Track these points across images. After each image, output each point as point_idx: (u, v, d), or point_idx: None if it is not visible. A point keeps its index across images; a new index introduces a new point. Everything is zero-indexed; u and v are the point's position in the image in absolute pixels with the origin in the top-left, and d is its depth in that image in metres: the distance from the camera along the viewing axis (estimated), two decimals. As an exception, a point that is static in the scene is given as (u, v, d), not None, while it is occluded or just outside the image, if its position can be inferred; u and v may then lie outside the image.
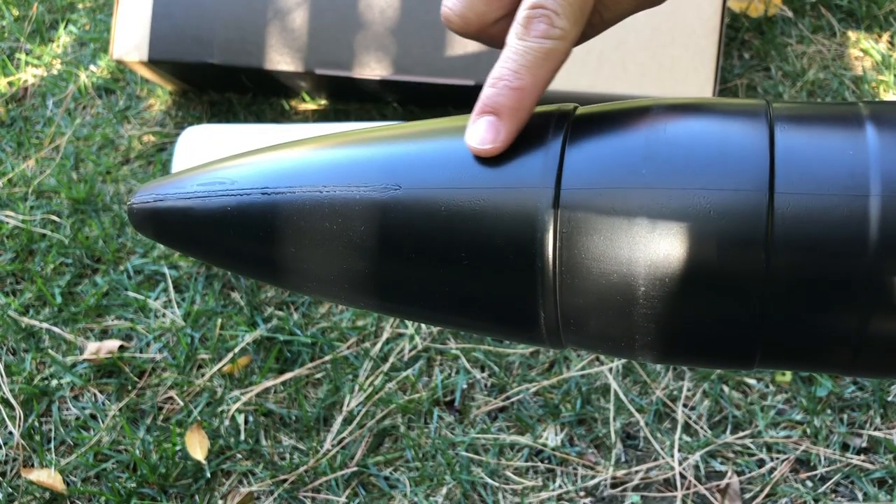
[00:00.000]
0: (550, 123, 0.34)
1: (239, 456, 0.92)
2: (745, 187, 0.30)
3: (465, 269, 0.32)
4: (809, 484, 0.85)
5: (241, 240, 0.35)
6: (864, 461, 0.85)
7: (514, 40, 0.34)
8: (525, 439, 0.89)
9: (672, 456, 0.87)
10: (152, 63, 1.15)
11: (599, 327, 0.32)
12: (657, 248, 0.30)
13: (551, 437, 0.90)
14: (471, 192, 0.32)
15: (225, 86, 1.23)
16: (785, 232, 0.29)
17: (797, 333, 0.30)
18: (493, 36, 0.37)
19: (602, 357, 0.94)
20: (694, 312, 0.31)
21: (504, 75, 0.34)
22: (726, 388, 0.91)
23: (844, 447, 0.86)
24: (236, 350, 0.99)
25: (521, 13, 0.34)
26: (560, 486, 0.87)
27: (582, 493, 0.86)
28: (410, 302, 0.35)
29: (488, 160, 0.33)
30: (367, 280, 0.34)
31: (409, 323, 0.99)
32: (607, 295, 0.31)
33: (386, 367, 0.96)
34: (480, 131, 0.33)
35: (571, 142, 0.33)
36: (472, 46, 1.07)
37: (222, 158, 0.37)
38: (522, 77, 0.34)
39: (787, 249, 0.29)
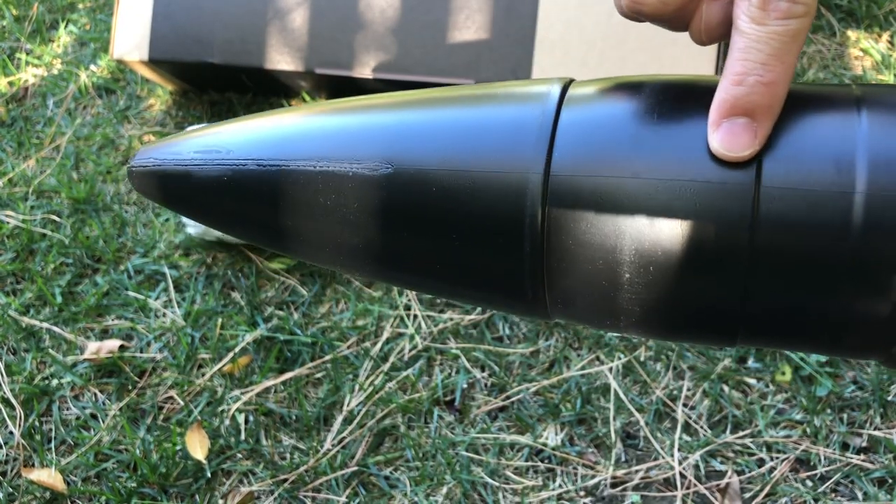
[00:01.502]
0: (542, 102, 0.33)
1: (239, 455, 0.92)
2: (732, 179, 0.30)
3: (455, 249, 0.33)
4: (809, 483, 0.85)
5: (237, 207, 0.36)
6: (863, 461, 0.85)
7: (752, 26, 0.29)
8: (525, 439, 0.90)
9: (672, 455, 0.87)
10: (152, 63, 1.15)
11: (586, 307, 0.32)
12: (643, 235, 0.30)
13: (551, 436, 0.90)
14: (462, 174, 0.32)
15: (225, 86, 1.23)
16: (770, 212, 0.29)
17: (778, 315, 0.31)
18: (682, 17, 0.33)
19: (602, 357, 0.94)
20: (677, 295, 0.31)
21: (752, 70, 0.29)
22: (726, 388, 0.91)
23: (844, 447, 0.86)
24: (236, 350, 0.99)
25: None
26: (560, 486, 0.87)
27: (582, 493, 0.86)
28: (403, 274, 0.36)
29: (481, 143, 0.33)
30: (361, 252, 0.34)
31: (409, 322, 0.99)
32: (593, 278, 0.31)
33: (386, 366, 0.96)
34: (734, 136, 0.29)
35: (562, 125, 0.33)
36: (472, 46, 1.07)
37: (218, 125, 0.37)
38: (773, 68, 0.29)
39: (772, 230, 0.29)
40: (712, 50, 1.03)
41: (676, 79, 0.34)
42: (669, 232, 0.30)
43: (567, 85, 0.34)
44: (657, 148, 0.31)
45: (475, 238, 0.32)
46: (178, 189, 0.36)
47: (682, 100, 0.32)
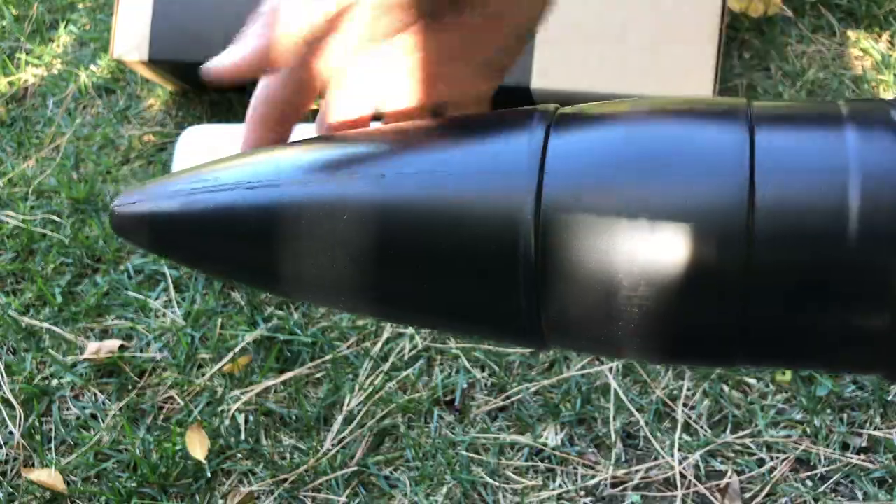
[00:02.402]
0: (533, 121, 0.33)
1: (239, 455, 0.92)
2: (725, 183, 0.30)
3: (446, 259, 0.32)
4: (809, 483, 0.85)
5: (226, 239, 0.35)
6: (864, 461, 0.85)
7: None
8: (525, 439, 0.90)
9: (672, 455, 0.87)
10: (152, 63, 1.15)
11: (580, 322, 0.32)
12: (637, 244, 0.30)
13: (551, 436, 0.90)
14: (454, 179, 0.32)
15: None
16: (765, 228, 0.29)
17: (778, 331, 0.31)
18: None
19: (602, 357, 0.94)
20: (675, 315, 0.31)
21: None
22: (726, 388, 0.91)
23: (844, 447, 0.86)
24: (236, 350, 0.99)
25: None
26: (560, 486, 0.87)
27: (582, 493, 0.86)
28: (391, 305, 0.35)
29: (474, 153, 0.33)
30: (347, 273, 0.34)
31: (409, 322, 0.99)
32: (588, 290, 0.31)
33: (386, 366, 0.96)
34: None
35: (553, 138, 0.33)
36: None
37: (207, 163, 0.37)
38: None
39: (768, 246, 0.29)
40: (712, 51, 1.03)
41: (663, 99, 0.34)
42: (665, 250, 0.30)
43: (554, 111, 0.34)
44: (648, 156, 0.31)
45: (468, 247, 0.32)
46: (161, 226, 0.35)
47: (670, 113, 0.32)
